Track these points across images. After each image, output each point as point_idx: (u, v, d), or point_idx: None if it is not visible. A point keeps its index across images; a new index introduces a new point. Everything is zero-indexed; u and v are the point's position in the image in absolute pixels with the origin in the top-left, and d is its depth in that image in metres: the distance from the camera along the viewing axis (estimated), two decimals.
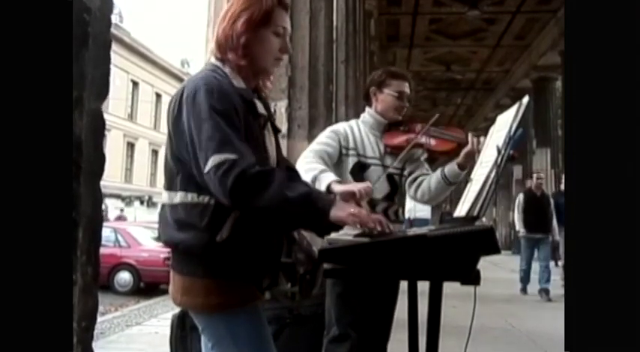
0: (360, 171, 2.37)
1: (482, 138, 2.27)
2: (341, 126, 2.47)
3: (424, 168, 2.54)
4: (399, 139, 2.48)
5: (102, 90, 1.24)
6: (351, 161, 2.38)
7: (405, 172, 2.51)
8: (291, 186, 1.36)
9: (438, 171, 2.43)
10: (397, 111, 2.49)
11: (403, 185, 2.51)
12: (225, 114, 1.36)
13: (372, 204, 2.34)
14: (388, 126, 2.49)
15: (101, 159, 1.25)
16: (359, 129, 2.46)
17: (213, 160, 1.30)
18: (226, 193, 1.29)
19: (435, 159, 2.58)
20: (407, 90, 2.51)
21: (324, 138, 2.39)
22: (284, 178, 1.38)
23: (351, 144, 2.39)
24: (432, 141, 2.46)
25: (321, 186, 2.02)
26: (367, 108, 2.55)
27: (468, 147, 2.29)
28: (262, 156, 1.46)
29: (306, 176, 2.08)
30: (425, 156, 2.57)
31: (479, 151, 2.19)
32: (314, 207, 1.35)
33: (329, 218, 1.35)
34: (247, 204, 1.33)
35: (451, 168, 2.39)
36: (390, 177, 2.42)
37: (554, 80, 15.47)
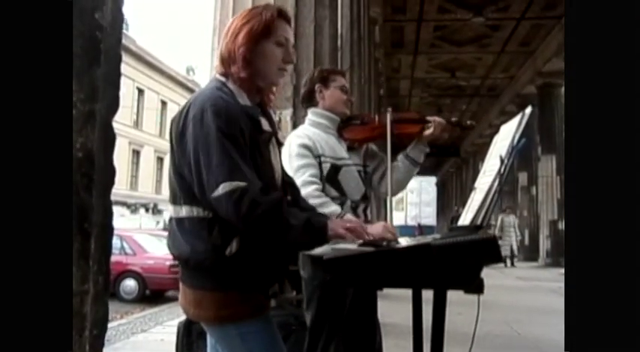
0: (334, 175, 2.33)
1: (438, 119, 2.47)
2: (304, 139, 2.36)
3: (384, 161, 2.51)
4: (363, 132, 2.46)
5: (113, 103, 1.27)
6: (325, 167, 2.32)
7: (369, 169, 2.50)
8: (293, 213, 1.43)
9: (402, 157, 2.49)
10: (345, 105, 2.45)
11: (368, 181, 2.49)
12: (232, 137, 1.38)
13: (354, 206, 2.35)
14: (343, 124, 2.44)
15: (112, 170, 1.28)
16: (317, 134, 2.38)
17: (224, 187, 1.32)
18: (239, 219, 1.34)
19: (401, 146, 2.57)
20: (347, 85, 2.50)
21: (302, 159, 2.29)
22: (286, 205, 1.45)
23: (321, 151, 2.32)
24: (399, 126, 2.45)
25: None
26: (313, 109, 2.45)
27: (428, 131, 2.44)
28: (269, 172, 1.49)
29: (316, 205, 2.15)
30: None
31: (444, 128, 2.44)
32: (313, 231, 1.41)
33: (327, 237, 1.43)
34: (257, 230, 1.38)
35: (414, 149, 2.49)
36: (360, 175, 2.40)
37: (559, 86, 15.45)
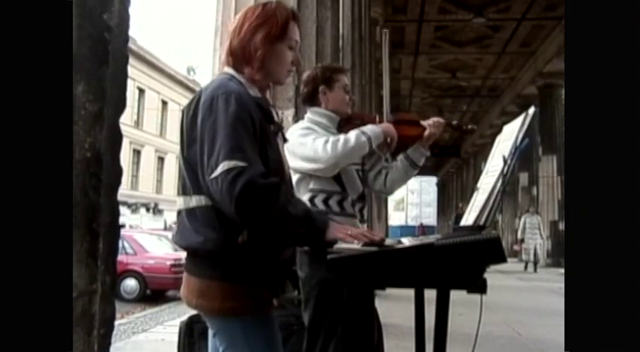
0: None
1: (436, 119, 2.46)
2: (307, 125, 2.36)
3: (382, 159, 2.53)
4: None
5: (120, 104, 1.28)
6: None
7: (366, 167, 2.49)
8: (293, 203, 1.41)
9: (402, 158, 2.48)
10: (348, 105, 2.44)
11: (365, 181, 2.49)
12: (241, 119, 1.37)
13: (351, 205, 2.34)
14: (344, 123, 2.42)
15: (118, 171, 1.28)
16: (319, 131, 2.35)
17: (222, 166, 1.30)
18: (232, 199, 1.29)
19: (402, 148, 2.56)
20: (348, 83, 2.49)
21: (311, 134, 2.27)
22: (287, 193, 1.42)
23: None
24: (400, 128, 2.42)
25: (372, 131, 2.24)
26: (315, 109, 2.42)
27: (428, 131, 2.42)
28: (278, 162, 1.49)
29: (344, 144, 2.18)
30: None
31: (438, 128, 2.42)
32: (312, 226, 1.39)
33: (325, 237, 1.40)
34: (250, 214, 1.33)
35: (415, 152, 2.47)
36: (358, 174, 2.40)
37: (560, 87, 15.45)
